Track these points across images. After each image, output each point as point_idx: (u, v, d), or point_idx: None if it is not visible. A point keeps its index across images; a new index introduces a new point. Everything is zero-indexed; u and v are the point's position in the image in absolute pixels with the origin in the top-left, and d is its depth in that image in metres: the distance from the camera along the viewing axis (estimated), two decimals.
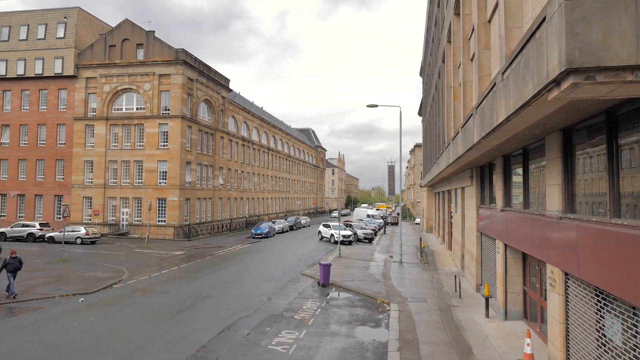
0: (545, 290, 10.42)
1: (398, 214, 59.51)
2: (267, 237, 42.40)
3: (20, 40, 45.25)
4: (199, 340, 12.00)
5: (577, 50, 4.58)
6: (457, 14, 18.08)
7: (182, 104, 41.18)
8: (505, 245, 13.56)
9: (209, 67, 46.82)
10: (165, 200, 40.60)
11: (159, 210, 40.64)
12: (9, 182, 44.60)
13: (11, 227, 36.98)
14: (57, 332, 12.78)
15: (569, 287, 8.70)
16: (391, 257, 29.31)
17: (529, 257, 12.39)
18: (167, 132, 41.14)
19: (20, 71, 44.85)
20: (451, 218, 29.37)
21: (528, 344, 9.64)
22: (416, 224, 70.60)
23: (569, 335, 8.80)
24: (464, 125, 13.56)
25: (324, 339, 12.38)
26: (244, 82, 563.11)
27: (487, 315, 14.36)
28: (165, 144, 41.13)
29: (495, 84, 8.72)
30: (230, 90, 53.50)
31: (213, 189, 47.96)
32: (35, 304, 16.03)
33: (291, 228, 53.13)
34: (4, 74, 45.16)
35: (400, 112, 27.98)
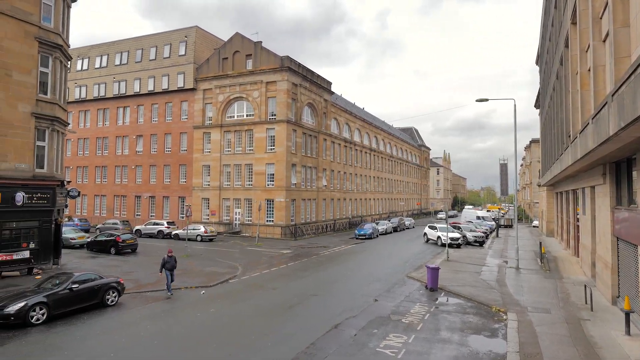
0: None
1: (512, 215, 55.03)
2: (370, 238, 42.21)
3: (150, 60, 51.31)
4: (308, 338, 12.25)
5: None
6: None
7: (287, 108, 42.99)
8: None
9: (311, 72, 48.21)
10: (273, 201, 42.70)
11: (267, 210, 42.89)
12: (142, 185, 50.87)
13: (145, 225, 42.11)
14: (183, 321, 14.06)
15: None
16: (506, 262, 27.12)
17: None
18: (273, 136, 43.27)
19: (150, 87, 50.82)
20: (577, 221, 26.22)
21: None
22: (534, 226, 64.69)
23: None
24: (595, 115, 11.93)
25: (435, 346, 11.80)
26: (346, 84, 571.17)
27: (628, 333, 12.42)
28: (272, 147, 43.28)
29: (639, 65, 7.46)
30: (332, 93, 54.47)
31: (317, 190, 49.22)
32: (164, 293, 17.86)
33: (395, 229, 52.24)
34: (138, 90, 51.62)
35: (515, 105, 25.77)
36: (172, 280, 17.89)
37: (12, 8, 20.77)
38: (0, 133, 20.29)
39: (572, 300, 17.04)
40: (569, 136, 20.19)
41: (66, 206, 26.40)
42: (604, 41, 13.60)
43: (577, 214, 25.93)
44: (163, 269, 17.76)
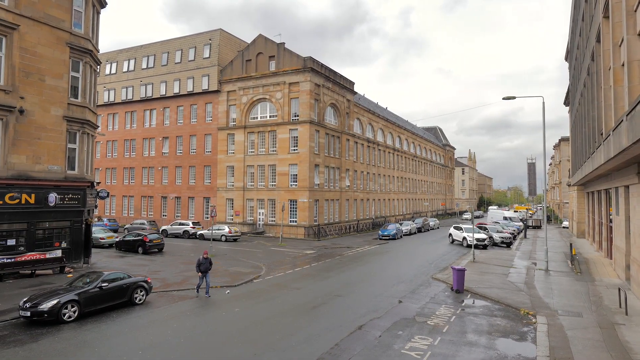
0: None
1: (540, 216, 53.68)
2: (394, 239, 41.85)
3: (175, 63, 52.30)
4: (332, 338, 12.21)
5: None
6: None
7: (309, 109, 43.06)
8: None
9: (334, 72, 48.16)
10: (296, 202, 42.84)
11: (290, 211, 43.06)
12: (169, 186, 51.88)
13: (171, 225, 42.93)
14: (208, 321, 14.24)
15: None
16: (534, 264, 26.41)
17: None
18: (296, 137, 43.41)
19: (176, 90, 51.81)
20: (610, 221, 25.31)
21: None
22: (563, 227, 62.81)
23: None
24: (629, 112, 11.47)
25: (461, 349, 11.57)
26: (369, 83, 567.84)
27: None
28: (295, 148, 43.43)
29: None
30: (355, 93, 54.29)
31: (340, 191, 49.13)
32: (191, 292, 18.13)
33: (419, 230, 51.64)
34: (164, 93, 52.70)
35: (543, 102, 25.09)
36: (207, 283, 17.55)
37: (45, 15, 21.52)
38: (35, 136, 21.05)
39: (605, 303, 16.44)
40: (601, 134, 19.48)
41: (96, 207, 27.14)
42: (639, 34, 13.08)
43: (610, 215, 25.03)
44: (199, 270, 17.63)
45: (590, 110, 25.00)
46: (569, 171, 53.31)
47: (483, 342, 12.19)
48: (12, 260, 20.01)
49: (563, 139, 71.18)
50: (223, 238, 37.85)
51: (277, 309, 15.71)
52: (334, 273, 23.27)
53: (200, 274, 17.69)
